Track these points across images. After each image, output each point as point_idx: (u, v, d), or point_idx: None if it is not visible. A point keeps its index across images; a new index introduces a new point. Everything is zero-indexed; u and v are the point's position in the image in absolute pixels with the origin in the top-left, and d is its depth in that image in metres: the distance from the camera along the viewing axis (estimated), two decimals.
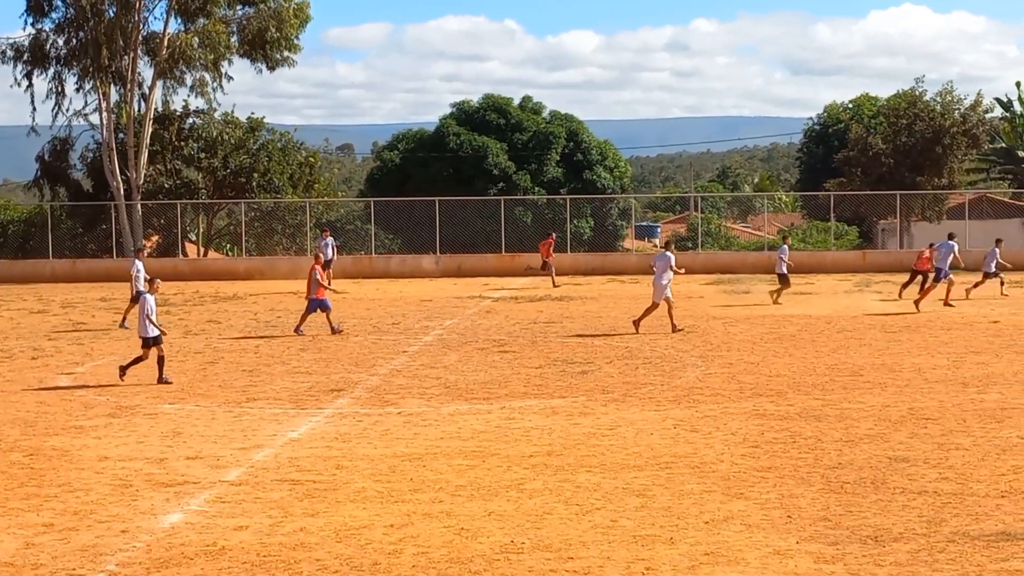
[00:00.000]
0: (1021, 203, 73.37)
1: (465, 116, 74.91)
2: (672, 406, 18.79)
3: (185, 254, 61.12)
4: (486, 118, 73.79)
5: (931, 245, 38.22)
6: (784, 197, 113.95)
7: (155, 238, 64.16)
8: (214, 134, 64.32)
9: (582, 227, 69.54)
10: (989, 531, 11.44)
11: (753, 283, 45.52)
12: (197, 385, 21.62)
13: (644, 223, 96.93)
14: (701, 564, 10.60)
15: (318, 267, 29.83)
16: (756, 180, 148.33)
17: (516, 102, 77.01)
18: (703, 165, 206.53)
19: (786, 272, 37.74)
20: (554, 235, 49.24)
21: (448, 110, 77.34)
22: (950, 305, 34.43)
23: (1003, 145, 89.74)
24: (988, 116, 68.58)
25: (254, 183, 63.28)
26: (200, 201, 62.63)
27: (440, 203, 55.93)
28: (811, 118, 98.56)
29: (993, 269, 37.76)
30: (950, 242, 35.64)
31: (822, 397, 19.41)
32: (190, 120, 65.14)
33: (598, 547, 11.13)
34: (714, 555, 10.84)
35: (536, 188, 70.98)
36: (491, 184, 69.80)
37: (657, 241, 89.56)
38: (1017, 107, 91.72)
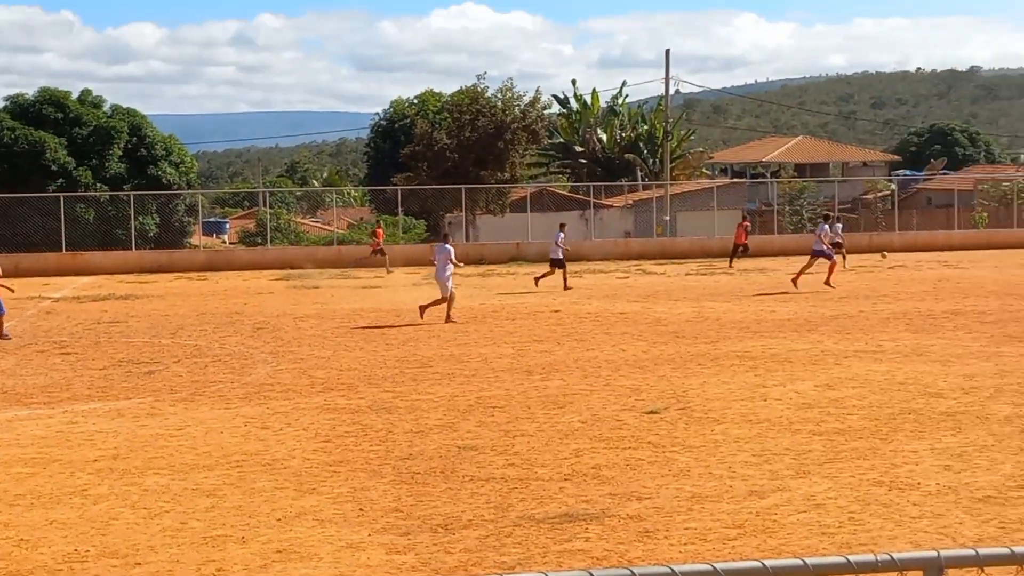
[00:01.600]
0: (579, 196, 76.50)
1: (20, 110, 71.82)
2: (242, 404, 18.52)
3: None
4: (43, 112, 71.01)
5: None
6: (353, 192, 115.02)
7: None
8: None
9: (147, 224, 67.91)
10: (553, 513, 11.75)
11: (323, 278, 45.63)
12: None
13: (212, 219, 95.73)
14: (273, 562, 10.45)
15: None
16: (325, 175, 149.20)
17: (75, 96, 74.50)
18: (272, 160, 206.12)
19: (561, 257, 38.60)
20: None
21: (0, 104, 74.09)
22: None
23: (561, 140, 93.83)
24: (547, 112, 71.08)
25: None
26: None
27: None
28: (378, 113, 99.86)
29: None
30: None
31: (392, 389, 19.57)
32: None
33: (167, 550, 10.82)
34: (286, 552, 10.71)
35: (98, 184, 68.85)
36: (49, 180, 67.19)
37: (226, 238, 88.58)
38: (573, 104, 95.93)
